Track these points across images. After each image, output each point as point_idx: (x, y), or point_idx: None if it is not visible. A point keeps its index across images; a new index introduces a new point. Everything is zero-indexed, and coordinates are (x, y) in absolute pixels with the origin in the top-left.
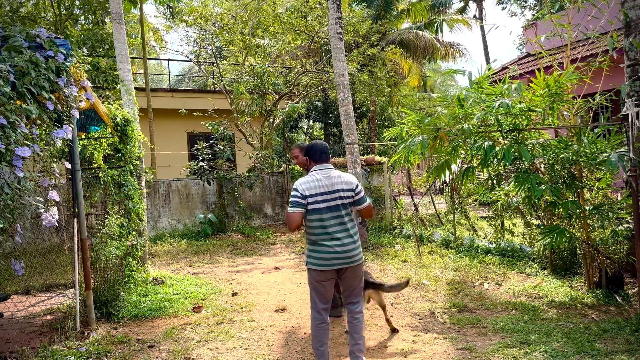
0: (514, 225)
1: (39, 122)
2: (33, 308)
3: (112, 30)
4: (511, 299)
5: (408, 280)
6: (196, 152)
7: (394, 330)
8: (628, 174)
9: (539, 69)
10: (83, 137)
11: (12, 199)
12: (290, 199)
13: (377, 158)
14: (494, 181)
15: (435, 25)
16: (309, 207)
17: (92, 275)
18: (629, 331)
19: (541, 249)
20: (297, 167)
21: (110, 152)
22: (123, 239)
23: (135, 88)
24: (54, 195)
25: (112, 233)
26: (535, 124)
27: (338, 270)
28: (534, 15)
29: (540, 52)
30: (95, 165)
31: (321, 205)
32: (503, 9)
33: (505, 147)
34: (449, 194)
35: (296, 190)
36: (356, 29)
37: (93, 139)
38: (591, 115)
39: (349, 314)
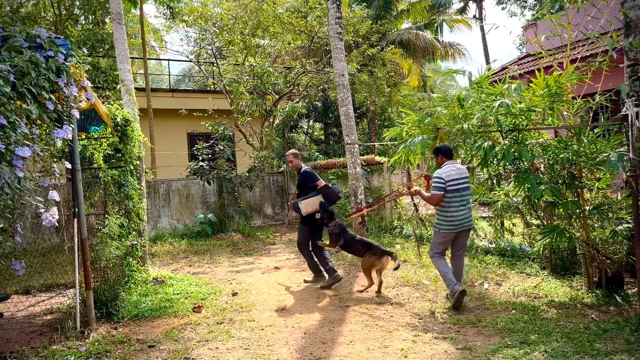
0: (514, 225)
1: (39, 122)
2: (33, 308)
3: (112, 30)
4: (511, 299)
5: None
6: (196, 152)
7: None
8: (628, 174)
9: (538, 69)
10: (83, 137)
11: (12, 199)
12: (435, 184)
13: (377, 158)
14: (494, 181)
15: (435, 25)
16: (448, 188)
17: (92, 275)
18: (629, 331)
19: (541, 249)
20: None
21: (110, 152)
22: (123, 239)
23: (135, 88)
24: (54, 195)
25: (112, 233)
26: (535, 124)
27: (458, 233)
28: (533, 15)
29: (540, 52)
30: (95, 165)
31: (454, 187)
32: (503, 9)
33: (505, 147)
34: None
35: (440, 178)
36: (356, 29)
37: (93, 139)
38: (591, 115)
39: (453, 255)
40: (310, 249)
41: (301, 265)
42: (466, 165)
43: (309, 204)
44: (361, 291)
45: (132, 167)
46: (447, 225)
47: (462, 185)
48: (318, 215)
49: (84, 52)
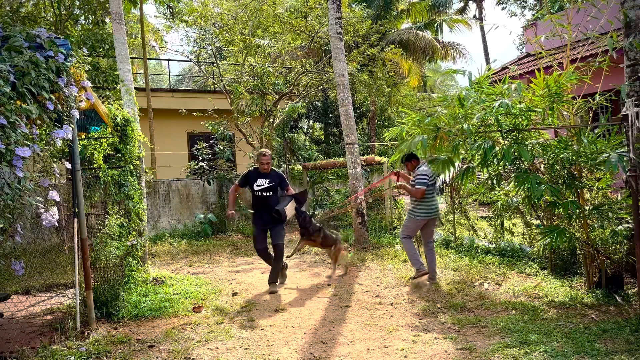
0: (514, 225)
1: (39, 122)
2: (33, 308)
3: (112, 30)
4: (511, 299)
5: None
6: (196, 152)
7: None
8: (628, 174)
9: (538, 69)
10: (83, 137)
11: (12, 199)
12: (421, 180)
13: (377, 158)
14: (494, 181)
15: (435, 25)
16: (429, 183)
17: (92, 275)
18: (629, 331)
19: (541, 249)
20: (297, 168)
21: (110, 152)
22: (123, 239)
23: (135, 88)
24: (54, 195)
25: (112, 233)
26: (535, 124)
27: (429, 220)
28: (533, 15)
29: (540, 52)
30: (95, 165)
31: (431, 182)
32: (503, 9)
33: (505, 147)
34: (449, 194)
35: (425, 175)
36: (356, 29)
37: (93, 139)
38: (591, 115)
39: (426, 247)
40: (274, 249)
41: (301, 265)
42: (466, 165)
43: (290, 209)
44: (330, 277)
45: (132, 167)
46: (424, 212)
47: (434, 181)
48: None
49: (84, 52)
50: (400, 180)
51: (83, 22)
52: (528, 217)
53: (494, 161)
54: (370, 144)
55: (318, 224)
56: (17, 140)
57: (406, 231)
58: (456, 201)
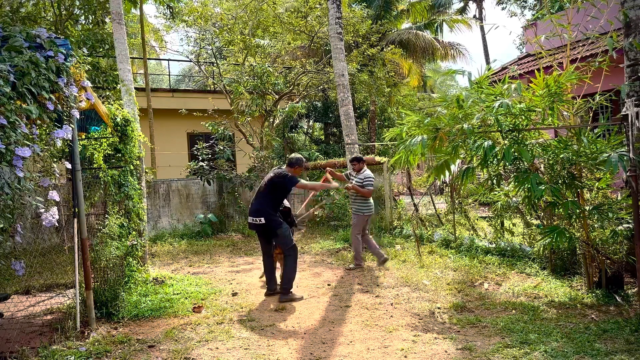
0: (514, 225)
1: (39, 122)
2: (33, 308)
3: (112, 30)
4: (511, 299)
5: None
6: (196, 152)
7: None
8: (628, 174)
9: (538, 69)
10: (83, 137)
11: (12, 199)
12: (371, 182)
13: (377, 158)
14: (494, 181)
15: (435, 25)
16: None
17: (92, 275)
18: (629, 331)
19: (541, 249)
20: None
21: (110, 152)
22: (123, 239)
23: (135, 88)
24: (54, 195)
25: (112, 233)
26: (535, 124)
27: (370, 216)
28: (533, 15)
29: (540, 52)
30: (95, 165)
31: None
32: (503, 9)
33: (505, 147)
34: (449, 194)
35: (372, 177)
36: (356, 29)
37: (93, 139)
38: (591, 115)
39: (364, 237)
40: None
41: (301, 265)
42: (466, 165)
43: None
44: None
45: (132, 167)
46: (369, 209)
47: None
48: None
49: (84, 52)
50: (330, 175)
51: (83, 22)
52: (528, 217)
53: (494, 161)
54: (370, 144)
55: None
56: (17, 140)
57: (357, 230)
58: (456, 201)
